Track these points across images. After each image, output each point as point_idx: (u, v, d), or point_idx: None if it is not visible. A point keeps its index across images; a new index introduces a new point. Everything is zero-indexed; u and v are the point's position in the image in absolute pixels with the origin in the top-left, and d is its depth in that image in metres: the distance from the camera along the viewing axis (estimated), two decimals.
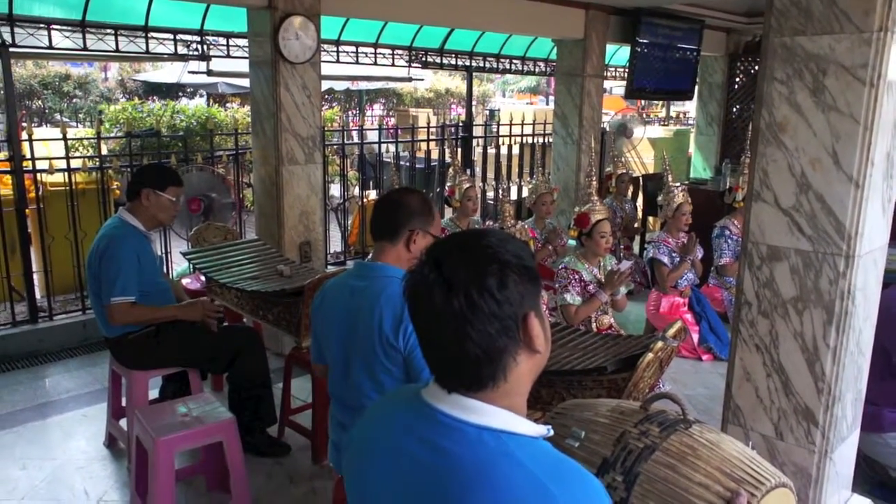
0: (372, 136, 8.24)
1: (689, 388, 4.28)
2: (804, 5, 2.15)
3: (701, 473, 1.37)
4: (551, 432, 1.08)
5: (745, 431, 2.43)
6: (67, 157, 4.83)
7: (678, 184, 5.12)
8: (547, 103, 23.56)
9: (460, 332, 1.01)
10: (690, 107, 17.17)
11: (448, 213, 5.63)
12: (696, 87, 8.53)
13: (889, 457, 3.11)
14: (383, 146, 6.96)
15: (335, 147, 6.84)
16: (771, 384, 2.35)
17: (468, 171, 5.91)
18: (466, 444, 1.02)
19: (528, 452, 1.00)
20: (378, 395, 2.00)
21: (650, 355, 2.19)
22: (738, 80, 8.80)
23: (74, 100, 14.91)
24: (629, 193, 6.83)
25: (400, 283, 2.00)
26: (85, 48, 4.75)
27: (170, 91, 15.26)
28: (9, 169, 4.66)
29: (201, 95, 15.09)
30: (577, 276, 3.82)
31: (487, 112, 14.99)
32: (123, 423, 3.36)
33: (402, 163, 7.01)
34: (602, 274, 3.87)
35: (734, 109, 8.87)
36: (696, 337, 4.84)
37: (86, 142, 6.82)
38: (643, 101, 14.84)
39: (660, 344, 2.22)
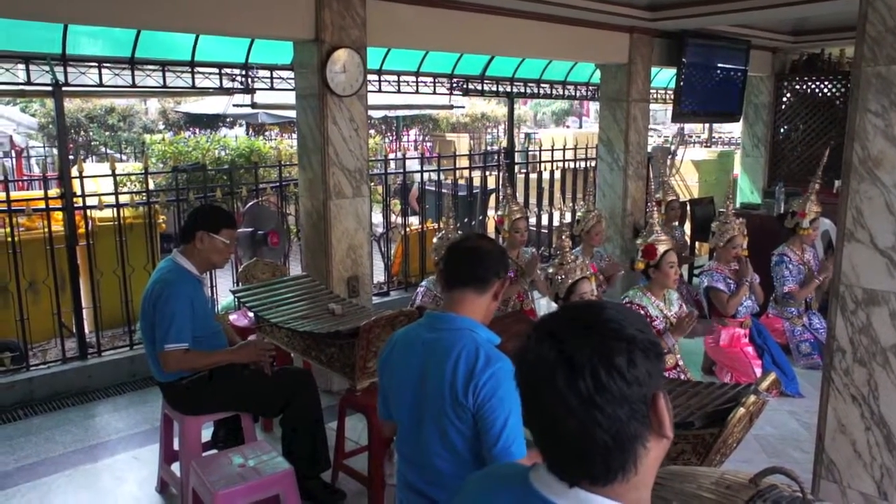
0: (412, 163, 8.19)
1: (755, 427, 4.02)
2: None
3: None
4: None
5: (841, 489, 2.25)
6: (116, 193, 4.86)
7: (737, 216, 4.87)
8: (580, 126, 23.42)
9: (587, 417, 0.92)
10: (729, 127, 16.86)
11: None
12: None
13: None
14: (423, 173, 6.90)
15: (377, 176, 6.80)
16: (871, 438, 2.17)
17: (517, 199, 5.78)
18: None
19: None
20: (448, 455, 1.90)
21: (742, 410, 2.03)
22: (784, 99, 8.56)
23: (118, 132, 15.26)
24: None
25: (471, 336, 1.87)
26: (133, 85, 4.81)
27: (210, 122, 15.50)
28: (60, 206, 4.70)
29: (241, 125, 15.29)
30: (643, 313, 3.66)
31: (524, 136, 14.89)
32: (175, 467, 3.29)
33: (443, 190, 6.94)
34: (667, 308, 3.71)
35: (781, 130, 8.62)
36: (758, 371, 4.60)
37: (133, 176, 6.90)
38: None
39: (752, 398, 2.06)
